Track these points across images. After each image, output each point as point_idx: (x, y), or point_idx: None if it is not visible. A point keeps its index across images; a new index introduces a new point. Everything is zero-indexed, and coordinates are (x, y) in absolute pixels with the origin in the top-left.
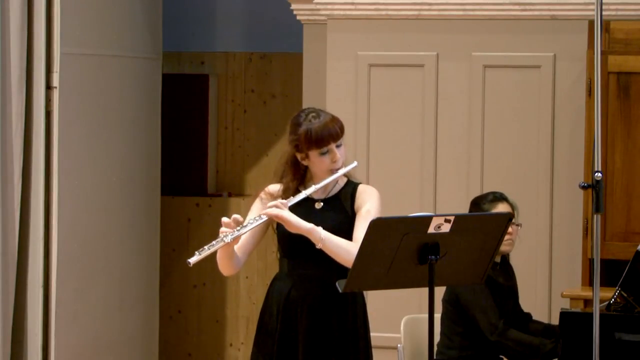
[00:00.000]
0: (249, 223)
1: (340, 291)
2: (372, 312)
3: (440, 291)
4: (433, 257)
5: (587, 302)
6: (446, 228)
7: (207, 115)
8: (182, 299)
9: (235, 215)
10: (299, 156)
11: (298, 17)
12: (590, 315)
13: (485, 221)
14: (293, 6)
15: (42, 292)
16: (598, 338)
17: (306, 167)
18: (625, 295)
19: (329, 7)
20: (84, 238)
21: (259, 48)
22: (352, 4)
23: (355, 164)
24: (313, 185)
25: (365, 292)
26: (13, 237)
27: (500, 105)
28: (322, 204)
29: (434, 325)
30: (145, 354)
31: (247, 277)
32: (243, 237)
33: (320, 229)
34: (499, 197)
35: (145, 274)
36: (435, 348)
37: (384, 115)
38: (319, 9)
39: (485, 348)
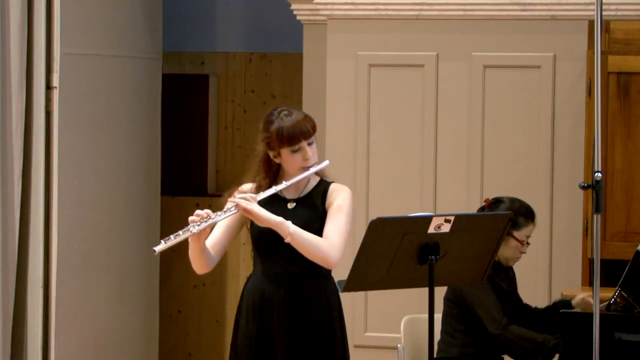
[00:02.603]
0: (217, 215)
1: (340, 291)
2: (372, 312)
3: (440, 291)
4: (433, 257)
5: None
6: (446, 228)
7: (207, 115)
8: (182, 299)
9: (207, 210)
10: (271, 154)
11: (298, 17)
12: (590, 315)
13: (485, 221)
14: (293, 6)
15: (42, 292)
16: (598, 338)
17: (279, 166)
18: (625, 295)
19: (329, 7)
20: (84, 238)
21: (259, 48)
22: (352, 4)
23: (327, 162)
24: (284, 182)
25: (365, 292)
26: (13, 237)
27: (500, 105)
28: (294, 204)
29: (434, 325)
30: (145, 354)
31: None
32: (215, 236)
33: (289, 223)
34: (533, 216)
35: (145, 274)
36: (436, 347)
37: (384, 115)
38: (319, 9)
39: (487, 346)
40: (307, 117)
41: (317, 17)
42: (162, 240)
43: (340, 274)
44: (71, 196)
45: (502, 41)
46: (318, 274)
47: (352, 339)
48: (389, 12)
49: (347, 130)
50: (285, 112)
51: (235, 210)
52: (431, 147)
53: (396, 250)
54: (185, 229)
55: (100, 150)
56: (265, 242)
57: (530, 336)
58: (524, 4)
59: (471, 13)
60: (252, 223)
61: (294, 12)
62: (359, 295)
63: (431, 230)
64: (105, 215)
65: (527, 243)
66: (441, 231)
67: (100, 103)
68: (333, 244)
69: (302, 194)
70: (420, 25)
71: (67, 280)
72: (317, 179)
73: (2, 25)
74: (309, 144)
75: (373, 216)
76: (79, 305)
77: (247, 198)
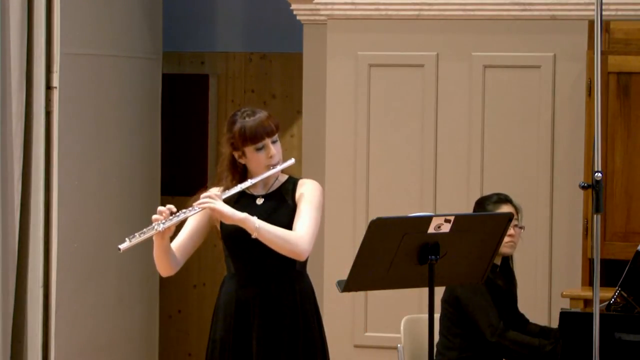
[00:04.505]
0: (181, 213)
1: (340, 291)
2: (372, 312)
3: (440, 291)
4: (433, 257)
5: (587, 302)
6: (446, 228)
7: (207, 115)
8: (182, 299)
9: (169, 205)
10: (236, 155)
11: (298, 17)
12: (590, 315)
13: (485, 221)
14: (293, 6)
15: (42, 292)
16: (598, 338)
17: (244, 167)
18: (625, 295)
19: (329, 7)
20: (84, 238)
21: (259, 48)
22: (352, 4)
23: (292, 161)
24: (249, 180)
25: (365, 292)
26: (13, 237)
27: (500, 105)
28: (263, 199)
29: (434, 326)
30: (145, 354)
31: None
32: (181, 239)
33: (254, 218)
34: (504, 199)
35: (145, 273)
36: (435, 348)
37: (384, 115)
38: (319, 9)
39: (484, 349)
40: (270, 117)
41: (317, 17)
42: (126, 239)
43: (340, 274)
44: (71, 196)
45: (502, 41)
46: (292, 270)
47: (352, 339)
48: (389, 12)
49: (347, 130)
50: (248, 112)
51: (199, 209)
52: (431, 147)
53: (396, 250)
54: (150, 227)
55: (100, 150)
56: (236, 241)
57: (527, 341)
58: (524, 4)
59: (471, 13)
60: (222, 223)
61: (294, 12)
62: (359, 295)
63: (431, 230)
64: (105, 216)
65: (520, 227)
66: (441, 231)
67: (100, 103)
68: (301, 235)
69: (271, 190)
70: (420, 25)
71: (67, 281)
72: (285, 176)
73: (2, 25)
74: (273, 142)
75: (373, 216)
76: (78, 305)
77: (211, 196)
